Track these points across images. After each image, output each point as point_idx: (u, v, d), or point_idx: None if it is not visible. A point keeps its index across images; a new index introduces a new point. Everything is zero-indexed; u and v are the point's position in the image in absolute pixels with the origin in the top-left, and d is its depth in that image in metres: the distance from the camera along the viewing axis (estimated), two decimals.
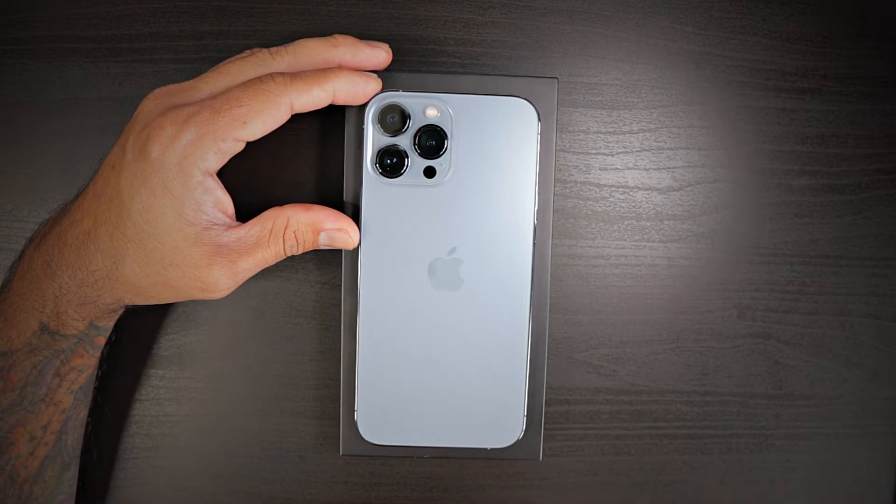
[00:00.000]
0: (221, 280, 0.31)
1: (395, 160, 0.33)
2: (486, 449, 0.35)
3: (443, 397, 0.34)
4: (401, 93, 0.32)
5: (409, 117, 0.33)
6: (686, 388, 0.39)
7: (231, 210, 0.31)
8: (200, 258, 0.30)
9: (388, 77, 0.32)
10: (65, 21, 0.36)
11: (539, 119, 0.33)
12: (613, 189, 0.38)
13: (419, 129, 0.33)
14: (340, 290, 0.35)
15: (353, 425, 0.35)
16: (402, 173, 0.33)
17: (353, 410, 0.35)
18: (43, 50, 0.36)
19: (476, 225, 0.33)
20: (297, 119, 0.31)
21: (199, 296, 0.31)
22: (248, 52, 0.31)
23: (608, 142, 0.38)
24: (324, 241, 0.32)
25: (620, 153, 0.38)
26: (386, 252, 0.33)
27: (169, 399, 0.38)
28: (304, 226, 0.32)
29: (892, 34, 0.38)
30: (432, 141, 0.33)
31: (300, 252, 0.32)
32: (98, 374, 0.34)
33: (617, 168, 0.38)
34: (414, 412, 0.35)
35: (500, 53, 0.37)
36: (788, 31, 0.38)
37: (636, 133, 0.38)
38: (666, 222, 0.38)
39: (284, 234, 0.31)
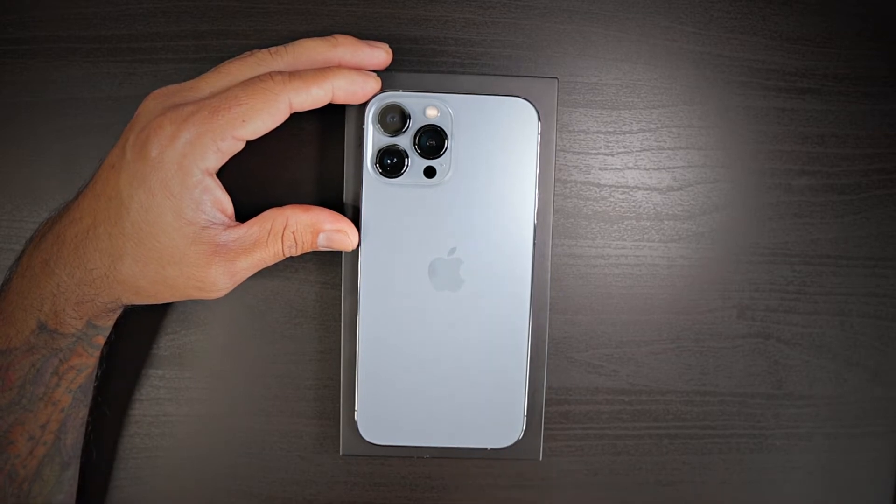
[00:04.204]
0: (220, 279, 0.31)
1: (395, 160, 0.33)
2: (486, 449, 0.35)
3: (443, 397, 0.34)
4: (401, 93, 0.32)
5: (409, 117, 0.33)
6: (686, 388, 0.39)
7: (230, 210, 0.31)
8: (199, 257, 0.30)
9: (388, 77, 0.32)
10: (65, 21, 0.36)
11: (539, 119, 0.33)
12: (613, 189, 0.38)
13: (419, 129, 0.33)
14: (340, 290, 0.35)
15: (353, 425, 0.35)
16: (402, 173, 0.33)
17: (353, 410, 0.35)
18: (43, 50, 0.36)
19: (476, 225, 0.33)
20: (296, 119, 0.31)
21: (197, 295, 0.31)
22: (248, 52, 0.31)
23: (608, 142, 0.38)
24: (322, 243, 0.32)
25: (620, 153, 0.38)
26: (386, 252, 0.33)
27: (169, 399, 0.38)
28: (303, 227, 0.32)
29: (892, 34, 0.38)
30: (432, 141, 0.33)
31: (299, 253, 0.32)
32: (97, 373, 0.34)
33: (617, 168, 0.38)
34: (414, 412, 0.35)
35: (500, 53, 0.37)
36: (788, 31, 0.38)
37: (636, 133, 0.38)
38: (666, 222, 0.38)
39: (283, 234, 0.31)
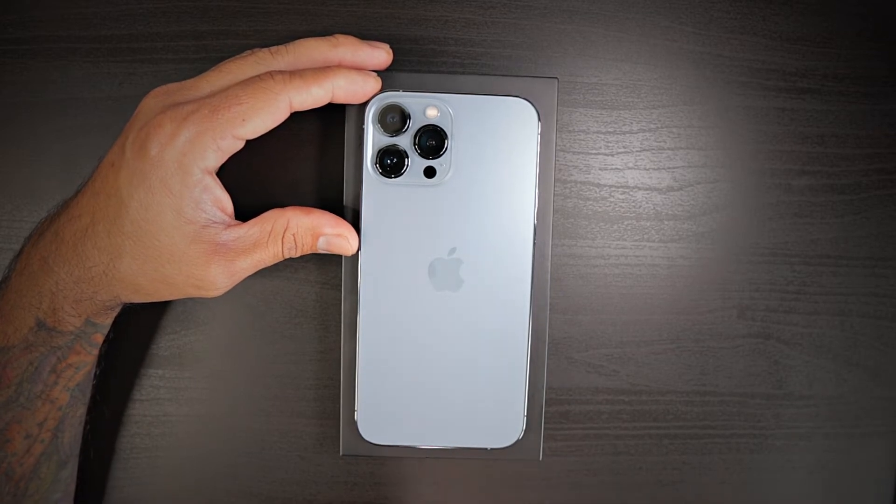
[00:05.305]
0: (219, 278, 0.31)
1: (395, 160, 0.33)
2: (486, 449, 0.35)
3: (443, 397, 0.34)
4: (401, 93, 0.32)
5: (410, 117, 0.33)
6: (686, 388, 0.39)
7: (230, 209, 0.31)
8: (198, 256, 0.30)
9: (389, 77, 0.32)
10: (65, 21, 0.36)
11: (539, 119, 0.33)
12: (613, 189, 0.38)
13: (419, 129, 0.33)
14: (340, 290, 0.35)
15: (353, 425, 0.35)
16: (402, 173, 0.33)
17: (353, 410, 0.35)
18: (43, 50, 0.36)
19: (476, 225, 0.33)
20: (297, 119, 0.31)
21: (196, 294, 0.32)
22: (249, 52, 0.31)
23: (608, 142, 0.38)
24: (322, 246, 0.32)
25: (620, 153, 0.38)
26: (386, 252, 0.33)
27: (169, 399, 0.38)
28: (303, 229, 0.32)
29: (893, 34, 0.38)
30: (432, 141, 0.33)
31: (298, 255, 0.32)
32: (96, 372, 0.34)
33: (617, 168, 0.38)
34: (414, 412, 0.35)
35: (500, 53, 0.37)
36: (788, 31, 0.38)
37: (636, 133, 0.38)
38: (666, 222, 0.38)
39: (284, 236, 0.31)
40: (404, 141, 0.33)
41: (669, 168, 0.38)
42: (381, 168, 0.33)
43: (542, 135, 0.33)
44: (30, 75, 0.36)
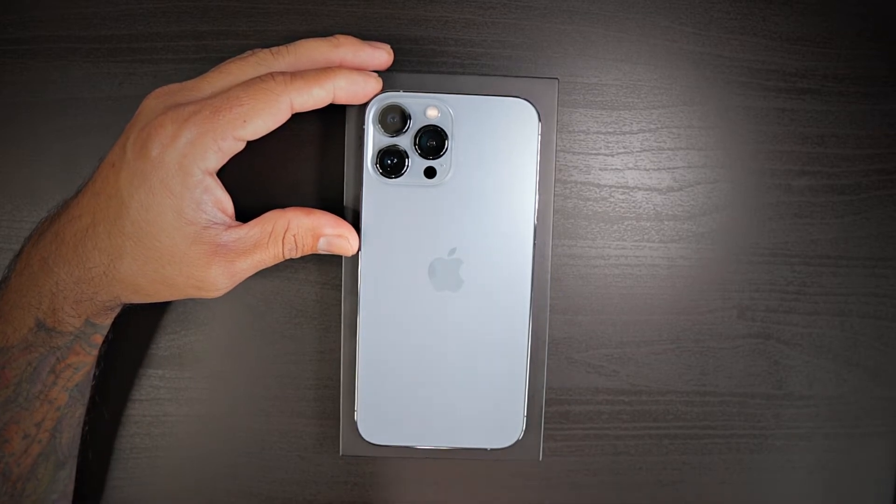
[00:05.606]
0: (219, 279, 0.31)
1: (395, 160, 0.33)
2: (486, 449, 0.35)
3: (443, 397, 0.34)
4: (401, 93, 0.32)
5: (410, 117, 0.33)
6: (686, 388, 0.39)
7: (231, 210, 0.31)
8: (199, 257, 0.30)
9: (389, 77, 0.32)
10: (65, 21, 0.36)
11: (539, 119, 0.33)
12: (613, 189, 0.38)
13: (420, 130, 0.33)
14: (340, 291, 0.35)
15: (353, 425, 0.35)
16: (402, 173, 0.33)
17: (353, 410, 0.35)
18: (43, 50, 0.36)
19: (476, 225, 0.33)
20: (297, 119, 0.31)
21: (196, 294, 0.32)
22: (250, 52, 0.31)
23: (608, 142, 0.38)
24: (323, 247, 0.32)
25: (620, 153, 0.38)
26: (386, 252, 0.33)
27: (169, 399, 0.38)
28: (304, 230, 0.32)
29: (893, 34, 0.38)
30: (433, 141, 0.33)
31: (298, 255, 0.32)
32: (95, 372, 0.34)
33: (617, 168, 0.38)
34: (414, 412, 0.35)
35: (500, 53, 0.37)
36: (788, 31, 0.38)
37: (636, 133, 0.38)
38: (666, 222, 0.38)
39: (284, 237, 0.31)
40: (404, 141, 0.33)
41: (669, 168, 0.38)
42: (381, 168, 0.33)
43: (542, 135, 0.33)
44: (30, 75, 0.36)
